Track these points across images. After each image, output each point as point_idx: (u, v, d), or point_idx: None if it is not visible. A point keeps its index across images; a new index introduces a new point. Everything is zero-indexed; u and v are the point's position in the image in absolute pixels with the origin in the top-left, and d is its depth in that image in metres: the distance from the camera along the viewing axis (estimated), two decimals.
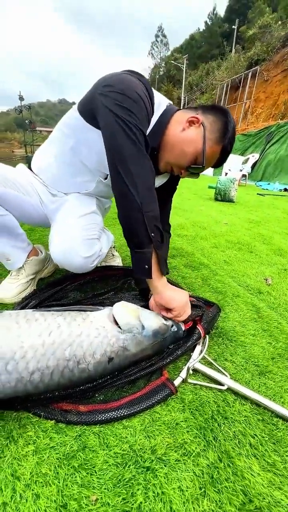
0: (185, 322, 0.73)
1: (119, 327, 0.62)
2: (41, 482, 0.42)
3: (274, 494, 0.44)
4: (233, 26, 26.04)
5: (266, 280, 1.22)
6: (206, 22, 41.58)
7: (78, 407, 0.54)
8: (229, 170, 6.98)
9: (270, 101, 14.19)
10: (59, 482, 0.42)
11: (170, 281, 0.91)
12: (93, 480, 0.43)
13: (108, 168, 0.60)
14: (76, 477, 0.43)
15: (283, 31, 16.42)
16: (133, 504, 0.40)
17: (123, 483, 0.43)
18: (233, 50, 24.02)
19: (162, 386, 0.59)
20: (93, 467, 0.45)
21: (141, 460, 0.46)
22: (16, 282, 0.92)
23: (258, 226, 2.24)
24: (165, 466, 0.46)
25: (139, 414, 0.55)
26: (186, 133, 0.70)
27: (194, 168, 0.73)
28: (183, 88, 27.62)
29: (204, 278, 1.18)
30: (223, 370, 0.66)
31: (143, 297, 0.86)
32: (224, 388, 0.61)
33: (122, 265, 1.21)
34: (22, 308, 0.78)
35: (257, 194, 5.04)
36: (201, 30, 43.11)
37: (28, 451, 0.46)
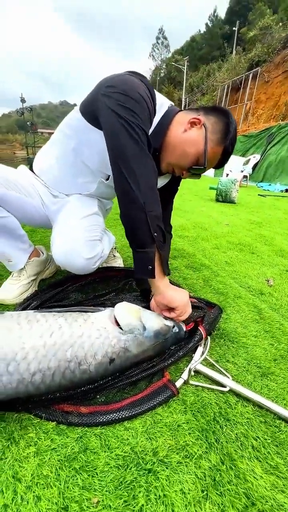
0: (186, 323, 0.73)
1: (121, 328, 0.62)
2: (42, 484, 0.42)
3: (277, 497, 0.43)
4: (234, 28, 26.13)
5: (268, 281, 1.22)
6: (206, 24, 41.83)
7: (80, 409, 0.54)
8: (230, 171, 6.98)
9: (271, 102, 14.20)
10: (60, 484, 0.42)
11: (171, 282, 0.91)
12: (94, 482, 0.43)
13: (111, 168, 0.60)
14: (77, 479, 0.43)
15: (284, 33, 16.47)
16: (134, 507, 0.40)
17: (125, 486, 0.43)
18: (234, 52, 24.09)
19: (164, 388, 0.59)
20: (95, 469, 0.45)
21: (143, 462, 0.46)
22: (17, 283, 0.92)
23: (260, 227, 2.24)
24: (167, 468, 0.46)
25: (141, 416, 0.54)
26: (188, 134, 0.70)
27: (195, 169, 0.73)
28: (184, 89, 27.70)
29: (205, 279, 1.18)
30: (225, 372, 0.66)
31: (144, 298, 0.86)
32: (226, 389, 0.61)
33: (123, 266, 1.21)
34: (24, 309, 0.78)
35: (258, 195, 5.03)
36: (201, 32, 43.34)
37: (29, 452, 0.46)
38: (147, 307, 0.75)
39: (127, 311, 0.65)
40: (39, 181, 0.87)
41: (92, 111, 0.67)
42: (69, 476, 0.43)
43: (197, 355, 0.69)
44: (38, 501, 0.40)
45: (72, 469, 0.44)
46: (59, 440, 0.48)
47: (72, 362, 0.54)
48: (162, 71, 45.54)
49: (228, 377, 0.64)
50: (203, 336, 0.72)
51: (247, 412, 0.57)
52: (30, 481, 0.42)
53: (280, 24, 18.02)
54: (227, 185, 3.56)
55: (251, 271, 1.31)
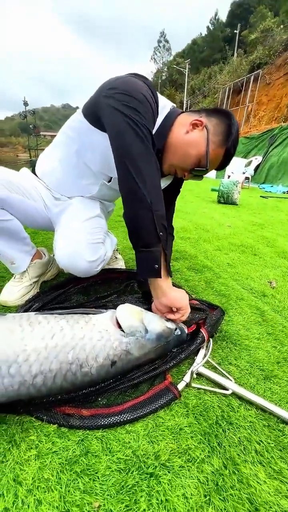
0: (188, 325, 0.72)
1: (122, 330, 0.62)
2: (43, 487, 0.42)
3: (281, 502, 0.42)
4: (235, 31, 26.28)
5: (270, 283, 1.21)
6: (208, 27, 42.03)
7: (81, 411, 0.54)
8: (232, 172, 6.97)
9: (273, 104, 14.23)
10: (61, 488, 0.42)
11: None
12: (95, 486, 0.42)
13: (116, 167, 0.59)
14: (78, 482, 0.43)
15: (285, 35, 16.53)
16: None
17: (126, 490, 0.42)
18: (235, 54, 24.20)
19: (166, 391, 0.59)
20: (96, 473, 0.44)
21: (145, 466, 0.46)
22: (19, 285, 0.92)
23: (262, 229, 2.23)
24: (169, 472, 0.45)
25: (142, 419, 0.54)
26: (190, 135, 0.70)
27: (197, 171, 0.73)
28: (185, 92, 27.82)
29: (207, 281, 1.18)
30: (227, 374, 0.65)
31: (146, 300, 0.86)
32: (228, 392, 0.60)
33: (125, 267, 1.21)
34: (26, 310, 0.78)
35: (260, 196, 5.02)
36: (203, 35, 43.56)
37: (31, 455, 0.46)
38: (149, 309, 0.75)
39: (129, 313, 0.65)
40: (42, 183, 0.87)
41: (94, 112, 0.68)
42: (70, 480, 0.43)
43: (199, 358, 0.69)
44: (39, 504, 0.40)
45: (73, 473, 0.44)
46: (60, 443, 0.48)
47: (73, 364, 0.54)
48: (163, 74, 45.80)
49: (231, 380, 0.63)
50: (205, 338, 0.72)
51: (250, 415, 0.57)
52: (31, 484, 0.42)
53: (282, 26, 18.09)
54: (229, 187, 3.56)
55: (254, 273, 1.30)
